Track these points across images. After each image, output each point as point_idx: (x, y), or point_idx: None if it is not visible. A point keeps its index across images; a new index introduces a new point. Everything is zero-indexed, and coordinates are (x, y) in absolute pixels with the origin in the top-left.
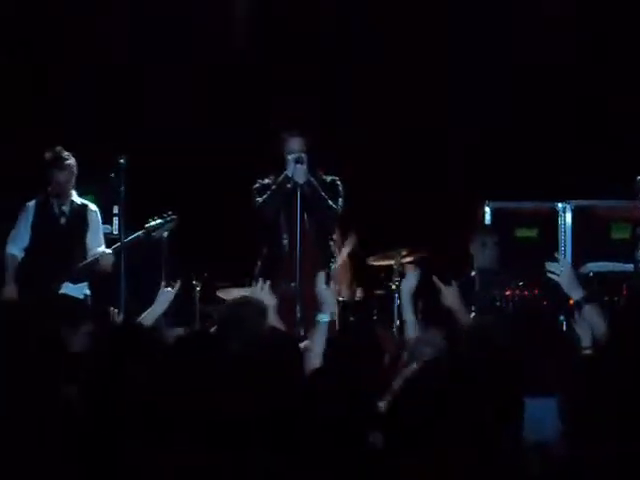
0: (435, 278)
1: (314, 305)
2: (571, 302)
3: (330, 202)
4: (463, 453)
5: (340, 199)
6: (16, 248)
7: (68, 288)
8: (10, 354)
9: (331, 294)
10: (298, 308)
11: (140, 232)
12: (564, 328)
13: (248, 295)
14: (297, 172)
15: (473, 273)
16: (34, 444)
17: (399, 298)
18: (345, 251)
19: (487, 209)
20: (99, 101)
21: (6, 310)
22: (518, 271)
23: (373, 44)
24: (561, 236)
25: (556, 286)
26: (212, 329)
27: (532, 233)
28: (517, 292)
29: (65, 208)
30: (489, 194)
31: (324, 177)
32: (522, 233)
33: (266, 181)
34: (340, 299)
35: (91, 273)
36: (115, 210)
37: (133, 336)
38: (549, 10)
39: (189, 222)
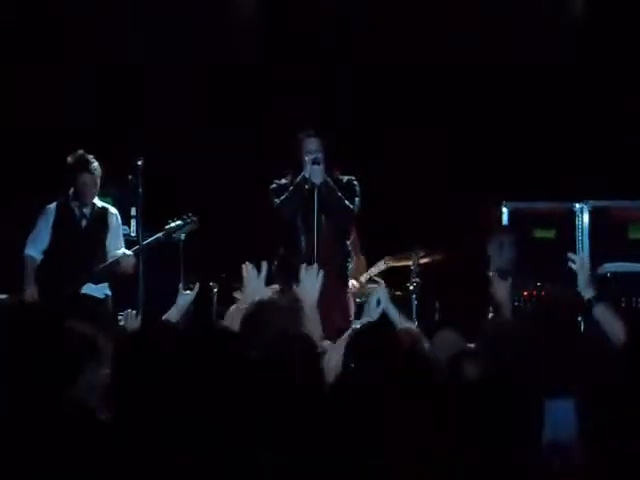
0: (493, 272)
1: (330, 306)
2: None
3: (347, 202)
4: (482, 454)
5: (357, 199)
6: (35, 250)
7: (89, 288)
8: (39, 356)
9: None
10: None
11: (160, 234)
12: (582, 329)
13: (276, 297)
14: (314, 173)
15: (491, 274)
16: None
17: (416, 299)
18: (374, 271)
19: (504, 210)
20: (99, 101)
21: (32, 312)
22: (536, 272)
23: (373, 44)
24: (578, 236)
25: (574, 285)
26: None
27: (549, 234)
28: (535, 293)
29: (86, 211)
30: (506, 195)
31: (340, 177)
32: (539, 234)
33: (283, 181)
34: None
35: (112, 274)
36: (133, 212)
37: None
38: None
39: (205, 223)
